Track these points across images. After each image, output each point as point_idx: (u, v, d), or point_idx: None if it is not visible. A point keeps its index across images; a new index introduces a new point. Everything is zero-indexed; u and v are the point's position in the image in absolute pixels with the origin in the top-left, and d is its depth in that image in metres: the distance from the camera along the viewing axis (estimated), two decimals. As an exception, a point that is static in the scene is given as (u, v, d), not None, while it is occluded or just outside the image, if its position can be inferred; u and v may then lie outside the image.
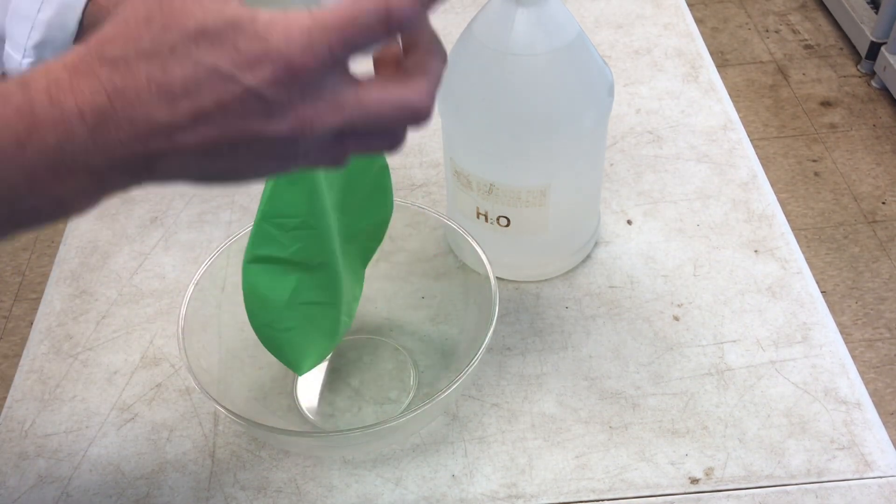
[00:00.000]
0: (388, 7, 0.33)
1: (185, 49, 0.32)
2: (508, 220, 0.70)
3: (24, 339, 0.75)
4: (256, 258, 0.59)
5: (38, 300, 0.78)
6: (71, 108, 0.32)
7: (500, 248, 0.70)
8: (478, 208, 0.71)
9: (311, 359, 0.65)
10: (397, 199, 0.70)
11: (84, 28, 0.57)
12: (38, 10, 0.55)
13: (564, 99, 0.65)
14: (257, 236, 0.58)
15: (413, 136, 0.91)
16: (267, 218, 0.58)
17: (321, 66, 0.32)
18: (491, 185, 0.68)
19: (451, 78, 0.67)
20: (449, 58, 0.67)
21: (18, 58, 0.56)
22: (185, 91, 0.32)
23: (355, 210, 0.65)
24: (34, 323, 0.76)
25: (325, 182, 0.61)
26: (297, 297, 0.62)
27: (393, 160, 0.89)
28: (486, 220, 0.71)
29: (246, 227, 0.69)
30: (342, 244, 0.66)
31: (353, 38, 0.33)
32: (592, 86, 0.66)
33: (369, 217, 0.67)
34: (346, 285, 0.67)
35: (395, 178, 0.87)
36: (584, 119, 0.66)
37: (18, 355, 0.73)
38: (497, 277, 0.65)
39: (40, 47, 0.56)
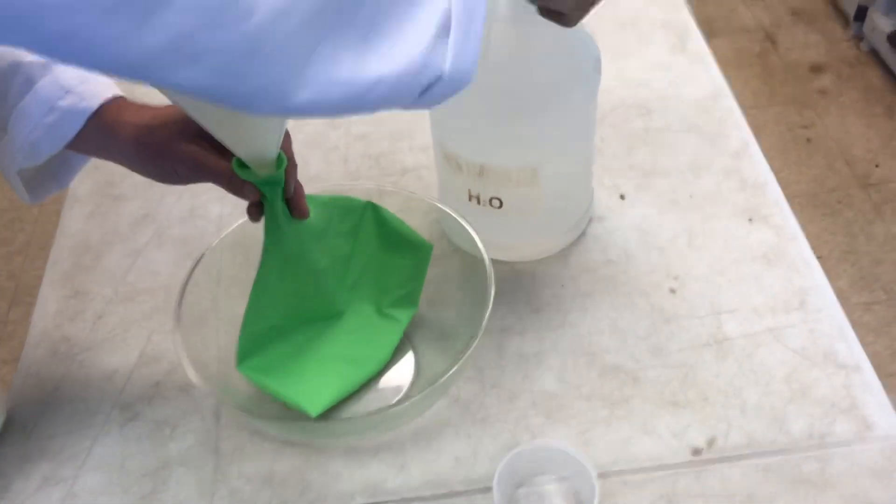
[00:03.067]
0: None
1: None
2: (501, 202, 0.70)
3: (22, 344, 0.74)
4: (251, 333, 0.65)
5: (34, 304, 0.78)
6: None
7: (493, 229, 0.69)
8: (469, 191, 0.70)
9: (322, 400, 0.66)
10: (388, 184, 0.70)
11: (80, 136, 0.60)
12: (45, 115, 0.59)
13: (551, 76, 0.64)
14: (251, 311, 0.65)
15: (401, 120, 0.90)
16: (257, 299, 0.65)
17: None
18: (481, 166, 0.67)
19: None
20: None
21: (12, 150, 0.60)
22: None
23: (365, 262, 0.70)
24: (30, 326, 0.75)
25: (322, 251, 0.66)
26: (293, 350, 0.67)
27: (382, 144, 0.89)
28: (479, 202, 0.71)
29: (238, 220, 0.69)
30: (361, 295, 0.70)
31: None
32: (579, 62, 0.66)
33: (393, 260, 0.70)
34: (355, 336, 0.69)
35: (385, 162, 0.86)
36: (572, 96, 0.66)
37: (18, 360, 0.73)
38: (492, 259, 0.65)
39: (36, 145, 0.60)
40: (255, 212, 0.62)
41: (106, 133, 0.60)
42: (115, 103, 0.61)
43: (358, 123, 0.91)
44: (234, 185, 0.59)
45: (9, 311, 1.79)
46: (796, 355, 0.67)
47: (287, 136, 0.60)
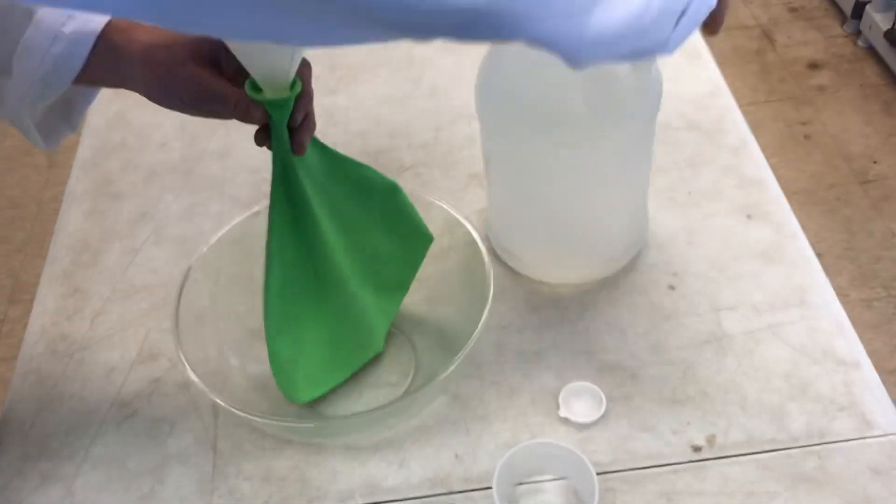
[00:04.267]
0: None
1: None
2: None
3: (21, 342, 0.74)
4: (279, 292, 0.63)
5: (32, 302, 0.77)
6: None
7: (537, 250, 0.67)
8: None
9: (310, 390, 0.65)
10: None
11: (88, 62, 0.57)
12: (51, 45, 0.56)
13: (607, 104, 0.61)
14: (273, 268, 0.62)
15: (399, 117, 0.90)
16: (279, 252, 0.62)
17: None
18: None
19: (491, 80, 0.64)
20: (487, 59, 0.65)
21: (21, 90, 0.57)
22: None
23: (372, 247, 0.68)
24: (28, 324, 0.75)
25: (328, 207, 0.63)
26: (305, 323, 0.65)
27: (380, 142, 0.89)
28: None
29: (236, 218, 0.69)
30: (361, 263, 0.68)
31: None
32: (640, 83, 0.61)
33: (393, 250, 0.68)
34: (358, 313, 0.68)
35: (384, 160, 0.86)
36: (629, 121, 0.62)
37: (16, 358, 0.73)
38: (535, 279, 0.63)
39: (46, 79, 0.57)
40: (260, 136, 0.60)
41: (114, 54, 0.57)
42: (121, 22, 0.58)
43: (357, 121, 0.91)
44: (240, 109, 0.57)
45: (7, 309, 1.79)
46: (796, 352, 0.67)
47: (307, 65, 0.58)
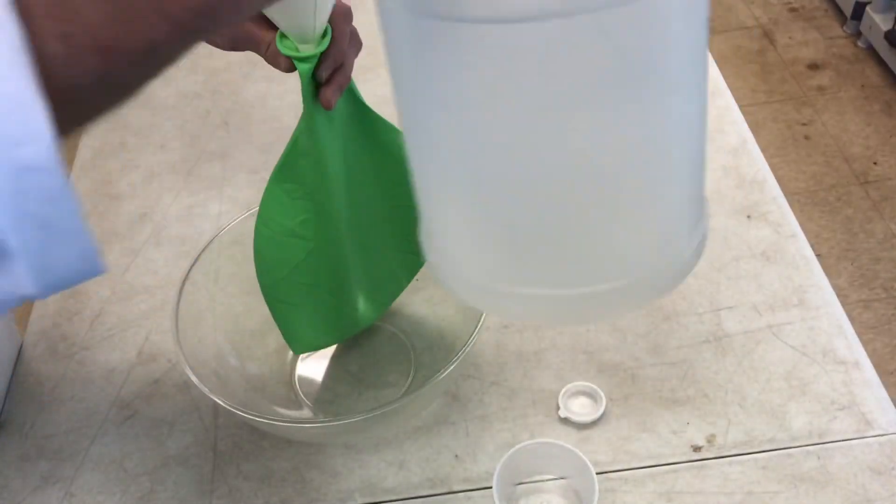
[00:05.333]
0: None
1: None
2: None
3: (21, 343, 0.74)
4: (266, 221, 0.61)
5: (32, 303, 0.77)
6: None
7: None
8: None
9: (307, 341, 0.65)
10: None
11: None
12: None
13: None
14: (267, 199, 0.60)
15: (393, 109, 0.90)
16: (277, 182, 0.60)
17: None
18: None
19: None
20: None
21: None
22: None
23: (394, 190, 0.63)
24: (28, 325, 0.75)
25: (347, 164, 0.61)
26: (300, 274, 0.63)
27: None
28: None
29: (235, 219, 0.69)
30: (374, 231, 0.65)
31: None
32: None
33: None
34: (361, 279, 0.66)
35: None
36: None
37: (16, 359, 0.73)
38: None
39: None
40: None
41: None
42: None
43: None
44: (270, 54, 0.56)
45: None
46: (796, 352, 0.67)
47: (346, 14, 0.56)
